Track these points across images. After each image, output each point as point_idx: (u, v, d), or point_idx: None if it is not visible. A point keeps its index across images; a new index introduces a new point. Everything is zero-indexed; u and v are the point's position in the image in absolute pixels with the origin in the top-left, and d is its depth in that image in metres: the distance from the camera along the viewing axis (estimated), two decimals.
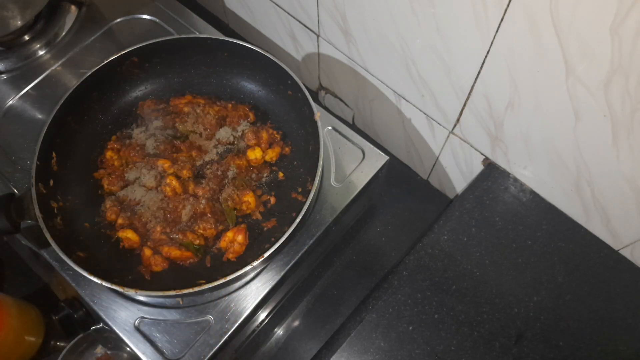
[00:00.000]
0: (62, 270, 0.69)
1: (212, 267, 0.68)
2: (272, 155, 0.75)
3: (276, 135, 0.77)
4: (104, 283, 0.60)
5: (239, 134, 0.77)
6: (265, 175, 0.75)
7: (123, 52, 0.75)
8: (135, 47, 0.75)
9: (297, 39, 0.91)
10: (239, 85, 0.81)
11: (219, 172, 0.73)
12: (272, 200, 0.73)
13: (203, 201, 0.70)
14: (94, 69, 0.74)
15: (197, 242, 0.69)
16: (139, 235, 0.69)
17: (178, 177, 0.72)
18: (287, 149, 0.77)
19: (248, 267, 0.61)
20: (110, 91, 0.79)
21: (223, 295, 0.68)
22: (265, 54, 0.74)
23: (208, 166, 0.74)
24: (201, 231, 0.69)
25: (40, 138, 0.68)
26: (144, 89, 0.82)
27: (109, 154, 0.76)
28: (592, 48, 0.49)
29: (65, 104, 0.71)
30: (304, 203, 0.65)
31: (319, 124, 0.69)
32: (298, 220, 0.63)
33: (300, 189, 0.73)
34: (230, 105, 0.79)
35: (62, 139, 0.73)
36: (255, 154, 0.74)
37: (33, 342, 0.81)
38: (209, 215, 0.70)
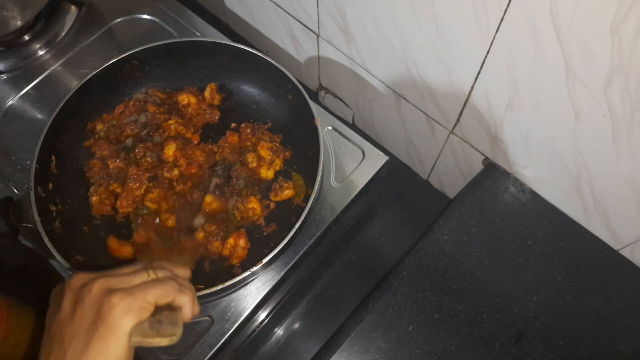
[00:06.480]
0: (62, 271, 0.69)
1: (210, 272, 0.68)
2: (278, 164, 0.75)
3: (276, 139, 0.77)
4: None
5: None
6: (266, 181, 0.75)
7: (123, 55, 0.75)
8: (135, 50, 0.75)
9: (297, 39, 0.91)
10: (240, 88, 0.81)
11: (226, 189, 0.72)
12: (272, 205, 0.73)
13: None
14: (94, 72, 0.73)
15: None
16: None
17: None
18: (287, 153, 0.76)
19: (247, 273, 0.61)
20: (110, 94, 0.79)
21: (223, 295, 0.68)
22: (266, 58, 0.74)
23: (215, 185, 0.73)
24: (214, 250, 0.69)
25: (39, 141, 0.68)
26: (144, 92, 0.81)
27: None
28: (592, 48, 0.49)
29: (65, 107, 0.71)
30: (304, 208, 0.64)
31: (319, 129, 0.69)
32: (297, 225, 0.63)
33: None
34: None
35: (62, 142, 0.72)
36: (267, 174, 0.74)
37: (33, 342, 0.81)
38: (216, 230, 0.69)
